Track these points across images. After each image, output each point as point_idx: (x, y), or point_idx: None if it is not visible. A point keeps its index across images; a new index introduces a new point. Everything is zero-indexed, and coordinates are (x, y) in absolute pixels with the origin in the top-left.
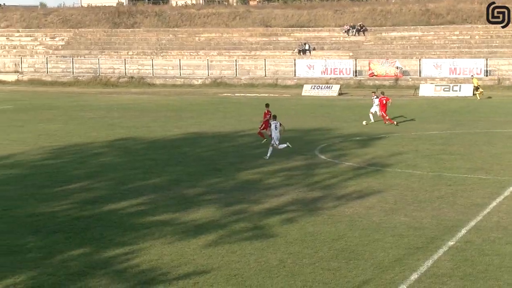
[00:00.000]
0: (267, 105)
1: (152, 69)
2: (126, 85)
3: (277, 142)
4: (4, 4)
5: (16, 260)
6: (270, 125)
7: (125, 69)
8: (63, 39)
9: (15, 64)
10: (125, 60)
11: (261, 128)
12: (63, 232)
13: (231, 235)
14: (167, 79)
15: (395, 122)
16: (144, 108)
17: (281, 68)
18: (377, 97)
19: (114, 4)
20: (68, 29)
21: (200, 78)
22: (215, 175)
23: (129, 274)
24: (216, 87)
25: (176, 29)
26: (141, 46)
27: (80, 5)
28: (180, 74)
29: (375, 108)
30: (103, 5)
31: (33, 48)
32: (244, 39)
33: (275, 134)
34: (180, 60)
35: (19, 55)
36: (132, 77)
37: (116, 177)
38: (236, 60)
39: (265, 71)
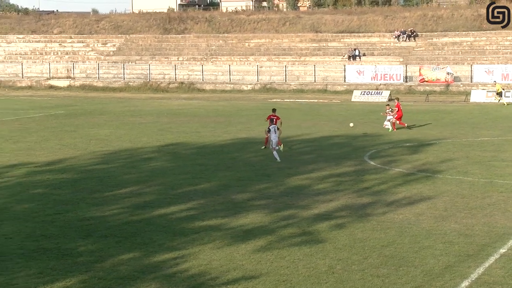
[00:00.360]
0: (274, 110)
1: (202, 74)
2: (176, 91)
3: (275, 146)
4: (57, 10)
5: (67, 264)
6: (269, 130)
7: (175, 74)
8: (114, 45)
9: (68, 70)
10: (175, 65)
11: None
12: (114, 236)
13: (280, 240)
14: (216, 85)
15: (405, 125)
16: (194, 113)
17: (330, 73)
18: (391, 110)
19: (165, 10)
20: (119, 35)
21: (250, 84)
22: (264, 181)
23: (178, 278)
24: (265, 92)
25: (226, 34)
26: (191, 51)
27: (131, 11)
28: (230, 80)
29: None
30: (154, 11)
31: (85, 54)
32: (294, 44)
33: (274, 137)
34: (229, 65)
35: (71, 61)
36: (182, 83)
37: (166, 182)
38: (285, 66)
39: (315, 77)
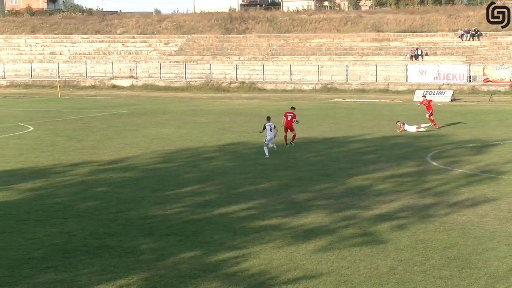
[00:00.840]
0: (292, 108)
1: (263, 74)
2: (237, 90)
3: (269, 144)
4: (121, 11)
5: (129, 262)
6: (265, 127)
7: (236, 74)
8: (176, 45)
9: (130, 70)
10: (236, 65)
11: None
12: (175, 235)
13: (341, 240)
14: (277, 84)
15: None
16: (255, 113)
17: (392, 73)
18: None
19: (227, 10)
20: (181, 35)
21: (311, 84)
22: (325, 181)
23: (239, 277)
24: (326, 92)
25: (287, 34)
26: (252, 51)
27: (193, 11)
28: (291, 79)
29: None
30: (216, 11)
31: (147, 54)
32: (355, 44)
33: (269, 135)
34: (290, 65)
35: (134, 61)
36: (243, 82)
37: (227, 181)
38: (347, 66)
39: (376, 77)
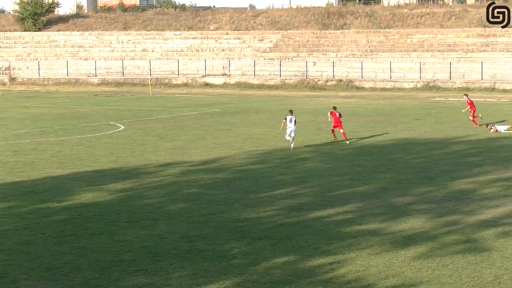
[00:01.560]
0: (334, 108)
1: (361, 71)
2: (334, 89)
3: (292, 135)
4: (214, 6)
5: (221, 266)
6: (285, 119)
7: (333, 71)
8: (271, 41)
9: (223, 67)
10: (333, 62)
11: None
12: (268, 238)
13: (442, 247)
14: (376, 83)
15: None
16: (352, 112)
17: (499, 71)
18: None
19: (324, 5)
20: (276, 31)
21: (411, 82)
22: (426, 184)
23: (335, 284)
24: (428, 91)
25: (387, 30)
26: (350, 48)
27: (289, 6)
28: (390, 77)
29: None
30: (313, 6)
31: (241, 51)
32: (459, 40)
33: (290, 126)
34: (390, 62)
35: (227, 58)
36: (340, 80)
37: (322, 184)
38: (450, 63)
39: (482, 74)
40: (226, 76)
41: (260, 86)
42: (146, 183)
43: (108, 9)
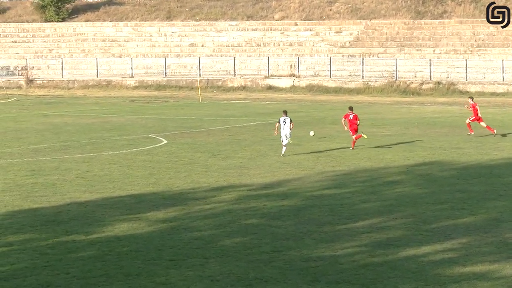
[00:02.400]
0: (350, 108)
1: (466, 72)
2: (430, 93)
3: (286, 139)
4: None
5: None
6: (279, 121)
7: (430, 72)
8: (351, 34)
9: (291, 66)
10: (430, 60)
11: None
12: (348, 283)
13: None
14: (485, 86)
15: (494, 131)
16: (454, 123)
17: None
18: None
19: None
20: (357, 20)
21: None
22: None
23: None
24: None
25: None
26: (452, 42)
27: None
28: (503, 79)
29: None
30: None
31: (313, 45)
32: None
33: (284, 130)
34: (503, 60)
35: (296, 54)
36: (439, 83)
37: (416, 214)
38: None
39: None
40: (294, 78)
41: (337, 90)
42: (195, 212)
43: None
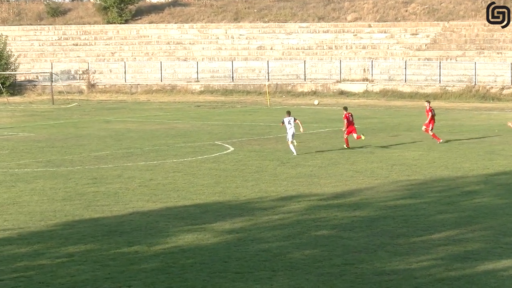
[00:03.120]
0: (345, 108)
1: None
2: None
3: (290, 138)
4: None
5: None
6: (283, 122)
7: (511, 76)
8: (427, 36)
9: (364, 70)
10: (511, 64)
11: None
12: None
13: None
14: None
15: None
16: None
17: None
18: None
19: None
20: (435, 22)
21: None
22: None
23: None
24: None
25: None
26: None
27: None
28: None
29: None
30: None
31: (387, 48)
32: None
33: (289, 130)
34: None
35: (370, 58)
36: None
37: (496, 225)
38: None
39: None
40: (367, 82)
41: (412, 95)
42: (262, 222)
43: None
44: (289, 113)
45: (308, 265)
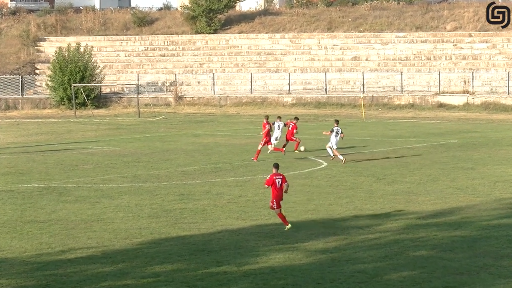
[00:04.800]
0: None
1: None
2: None
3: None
4: None
5: None
6: (332, 130)
7: None
8: None
9: (465, 81)
10: None
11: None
12: None
13: None
14: None
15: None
16: None
17: None
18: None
19: None
20: None
21: None
22: None
23: None
24: None
25: None
26: None
27: None
28: None
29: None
30: None
31: (489, 59)
32: None
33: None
34: None
35: (470, 69)
36: None
37: None
38: None
39: None
40: (468, 94)
41: None
42: (357, 242)
43: (308, 3)
44: (337, 122)
45: (406, 287)
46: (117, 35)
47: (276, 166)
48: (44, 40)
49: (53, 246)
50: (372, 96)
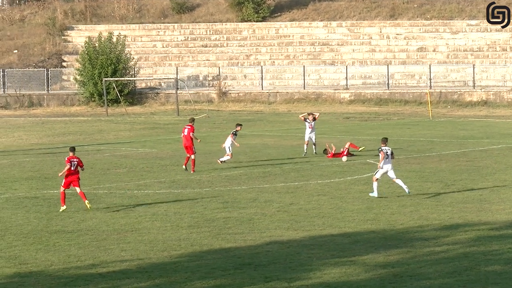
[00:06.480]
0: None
1: None
2: None
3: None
4: None
5: None
6: (381, 150)
7: None
8: None
9: None
10: None
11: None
12: None
13: None
14: None
15: None
16: None
17: None
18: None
19: None
20: None
21: None
22: None
23: None
24: None
25: None
26: None
27: None
28: None
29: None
30: None
31: None
32: None
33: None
34: None
35: None
36: None
37: None
38: None
39: None
40: None
41: None
42: (422, 255)
43: None
44: (385, 141)
45: None
46: (153, 23)
47: (72, 149)
48: (72, 28)
49: (83, 259)
50: (440, 92)
